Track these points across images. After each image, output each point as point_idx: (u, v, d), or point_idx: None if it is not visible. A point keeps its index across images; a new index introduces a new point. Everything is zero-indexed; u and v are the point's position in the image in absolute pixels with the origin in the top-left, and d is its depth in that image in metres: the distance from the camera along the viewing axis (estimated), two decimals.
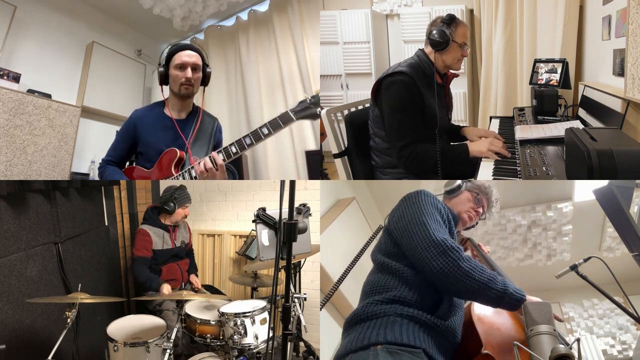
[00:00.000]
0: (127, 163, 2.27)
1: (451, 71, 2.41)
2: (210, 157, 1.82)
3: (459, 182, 1.78)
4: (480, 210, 1.77)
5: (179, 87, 2.00)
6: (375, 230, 2.07)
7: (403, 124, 2.19)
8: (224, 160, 1.83)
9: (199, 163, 1.85)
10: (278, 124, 1.74)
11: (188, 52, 1.99)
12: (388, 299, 1.42)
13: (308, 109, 1.74)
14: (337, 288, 1.98)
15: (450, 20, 2.25)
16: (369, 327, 1.38)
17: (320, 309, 1.97)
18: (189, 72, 1.96)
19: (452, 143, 2.47)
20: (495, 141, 2.18)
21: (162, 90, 2.06)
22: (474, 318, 1.49)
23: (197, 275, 3.13)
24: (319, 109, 1.74)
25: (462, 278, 1.32)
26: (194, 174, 1.89)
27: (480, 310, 1.53)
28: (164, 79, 2.03)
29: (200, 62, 2.02)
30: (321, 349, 2.47)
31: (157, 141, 2.02)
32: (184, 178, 1.94)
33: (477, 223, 1.83)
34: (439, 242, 1.37)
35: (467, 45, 2.30)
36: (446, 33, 2.21)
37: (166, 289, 2.67)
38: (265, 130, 1.75)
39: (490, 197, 1.79)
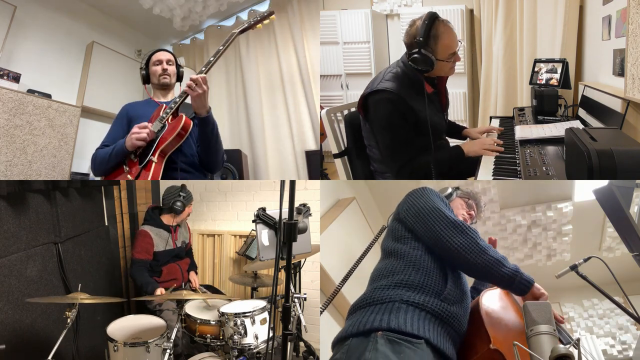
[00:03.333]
0: None
1: None
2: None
3: (450, 189, 1.91)
4: (473, 213, 1.89)
5: (158, 78, 2.30)
6: (378, 233, 2.08)
7: (396, 143, 2.10)
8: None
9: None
10: (227, 41, 2.16)
11: (162, 51, 2.37)
12: (394, 283, 1.44)
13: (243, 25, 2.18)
14: (339, 291, 1.98)
15: (427, 35, 1.96)
16: (372, 311, 1.38)
17: (321, 313, 1.96)
18: (164, 65, 2.31)
19: (448, 145, 2.44)
20: (486, 140, 2.24)
21: (145, 88, 2.42)
22: (482, 313, 1.49)
23: (196, 273, 3.14)
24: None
25: (480, 253, 1.42)
26: (176, 99, 2.10)
27: (489, 306, 1.54)
28: (146, 79, 2.36)
29: (173, 59, 2.36)
30: (321, 349, 2.47)
31: (148, 114, 2.19)
32: (170, 108, 2.09)
33: None
34: (456, 222, 1.48)
35: (461, 44, 2.10)
36: (428, 56, 1.96)
37: (159, 292, 2.67)
38: (221, 47, 2.14)
39: (479, 203, 1.92)
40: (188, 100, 2.09)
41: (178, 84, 2.40)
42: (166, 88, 2.32)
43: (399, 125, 2.07)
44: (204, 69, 2.07)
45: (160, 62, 2.30)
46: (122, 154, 2.06)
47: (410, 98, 2.04)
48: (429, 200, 1.57)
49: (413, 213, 1.56)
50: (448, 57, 2.02)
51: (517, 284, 1.43)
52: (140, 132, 1.99)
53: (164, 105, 2.17)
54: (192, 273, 3.08)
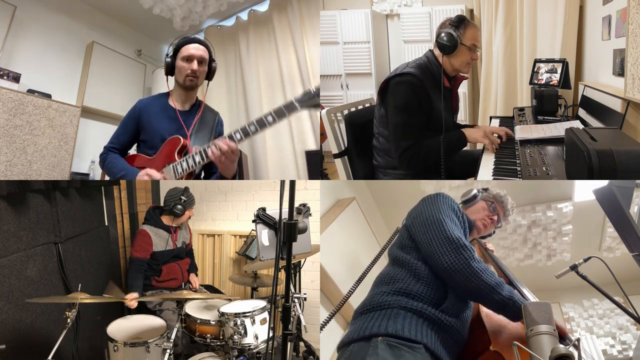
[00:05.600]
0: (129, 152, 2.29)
1: (461, 74, 2.39)
2: (219, 142, 1.83)
3: (474, 191, 1.86)
4: (496, 218, 1.82)
5: (184, 78, 2.05)
6: (386, 243, 2.07)
7: (407, 125, 2.18)
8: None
9: (209, 147, 1.85)
10: (283, 112, 1.77)
11: (196, 45, 2.05)
12: (395, 290, 1.45)
13: (312, 99, 1.76)
14: (346, 300, 1.98)
15: (459, 22, 2.19)
16: (372, 317, 1.40)
17: (323, 328, 1.96)
18: (194, 65, 2.02)
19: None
20: (489, 133, 2.29)
21: (167, 81, 2.13)
22: (482, 315, 1.49)
23: (197, 275, 3.13)
24: (319, 99, 1.78)
25: (470, 277, 1.38)
26: (198, 159, 1.89)
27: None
28: (170, 70, 2.09)
29: (206, 56, 2.07)
30: (321, 349, 2.46)
31: (160, 129, 2.06)
32: (187, 164, 1.94)
33: (494, 232, 1.89)
34: (453, 239, 1.43)
35: (478, 48, 2.25)
36: (454, 36, 2.16)
37: (129, 296, 2.49)
38: (270, 119, 1.78)
39: (505, 206, 1.85)
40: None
41: (206, 82, 2.17)
42: (190, 90, 2.13)
43: (413, 110, 2.16)
44: (238, 136, 1.81)
45: (190, 58, 2.03)
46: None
47: (430, 87, 2.19)
48: (436, 211, 1.55)
49: (419, 222, 1.56)
50: (470, 46, 2.20)
51: (508, 311, 1.39)
52: (152, 176, 1.93)
53: (181, 140, 1.99)
54: (192, 275, 3.08)
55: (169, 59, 2.07)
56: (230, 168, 1.90)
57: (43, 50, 3.76)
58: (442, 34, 2.18)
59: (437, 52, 2.27)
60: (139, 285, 2.73)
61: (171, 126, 2.09)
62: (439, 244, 1.44)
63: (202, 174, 2.27)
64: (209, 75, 2.14)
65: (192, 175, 2.02)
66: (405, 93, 2.15)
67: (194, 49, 2.04)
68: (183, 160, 1.95)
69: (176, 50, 2.07)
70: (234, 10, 4.44)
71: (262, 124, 1.78)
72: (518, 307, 1.37)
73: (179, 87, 2.12)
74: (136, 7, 4.06)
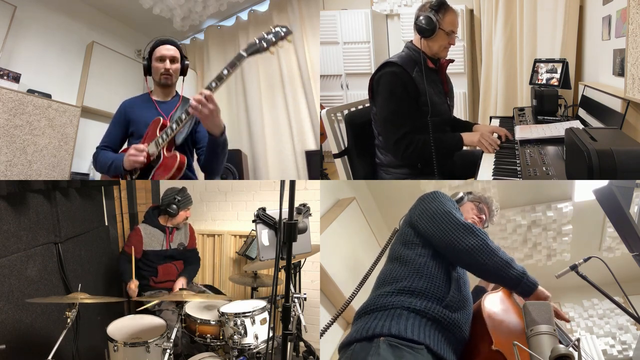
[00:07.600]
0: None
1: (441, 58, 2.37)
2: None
3: (461, 194, 1.93)
4: (483, 217, 1.91)
5: (159, 77, 2.22)
6: (387, 241, 2.08)
7: (397, 114, 2.18)
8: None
9: (183, 112, 1.95)
10: (234, 63, 1.91)
11: (167, 46, 2.24)
12: (398, 290, 1.46)
13: (254, 46, 1.90)
14: (349, 304, 1.98)
15: (439, 6, 2.19)
16: (375, 318, 1.41)
17: (323, 333, 1.95)
18: (167, 64, 2.20)
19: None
20: (486, 135, 2.28)
21: (146, 81, 2.34)
22: (484, 315, 1.49)
23: (189, 281, 2.96)
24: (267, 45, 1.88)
25: (490, 255, 1.45)
26: (175, 126, 1.97)
27: (491, 307, 1.55)
28: (148, 71, 2.28)
29: (178, 55, 2.24)
30: (321, 349, 2.47)
31: (144, 118, 2.18)
32: (166, 134, 2.00)
33: None
34: (467, 225, 1.50)
35: (456, 34, 2.26)
36: (433, 20, 2.16)
37: (134, 285, 2.70)
38: (225, 72, 1.90)
39: (490, 206, 1.95)
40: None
41: (182, 77, 2.31)
42: (167, 87, 2.26)
43: (400, 97, 2.17)
44: (208, 90, 1.86)
45: (163, 58, 2.19)
46: (119, 170, 2.07)
47: (413, 71, 2.20)
48: (441, 204, 1.60)
49: (426, 217, 1.59)
50: (448, 31, 2.20)
51: (523, 286, 1.46)
52: (137, 155, 1.98)
53: (161, 119, 2.11)
54: (180, 278, 2.91)
55: (145, 62, 2.26)
56: (214, 121, 1.89)
57: (43, 50, 3.76)
58: (421, 17, 2.19)
59: (415, 38, 2.28)
60: (127, 270, 2.77)
61: (154, 114, 2.20)
62: (455, 231, 1.49)
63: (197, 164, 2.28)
64: (183, 72, 2.30)
65: (173, 145, 2.05)
66: (389, 82, 2.18)
67: (165, 49, 2.22)
68: (163, 133, 2.02)
69: (151, 52, 2.25)
70: (234, 10, 4.45)
71: (220, 77, 1.89)
72: (530, 282, 1.46)
73: (157, 85, 2.28)
74: (136, 7, 4.07)
